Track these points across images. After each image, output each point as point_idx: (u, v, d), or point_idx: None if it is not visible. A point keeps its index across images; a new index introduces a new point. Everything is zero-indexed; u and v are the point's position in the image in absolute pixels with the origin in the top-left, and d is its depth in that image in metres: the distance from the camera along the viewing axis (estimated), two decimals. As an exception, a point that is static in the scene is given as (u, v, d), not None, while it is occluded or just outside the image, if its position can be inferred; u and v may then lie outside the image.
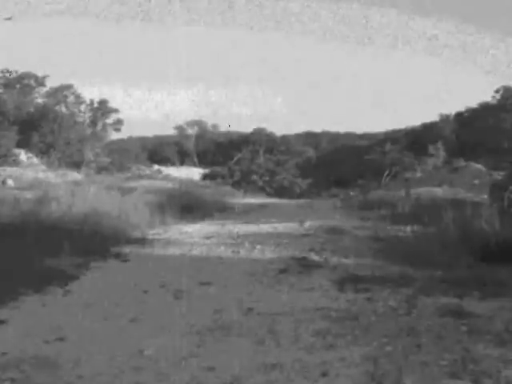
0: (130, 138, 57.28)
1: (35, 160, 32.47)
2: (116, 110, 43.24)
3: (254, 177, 40.78)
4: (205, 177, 40.91)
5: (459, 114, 48.77)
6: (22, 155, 31.83)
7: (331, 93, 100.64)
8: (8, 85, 39.15)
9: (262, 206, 20.55)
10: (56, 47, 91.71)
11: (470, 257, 6.91)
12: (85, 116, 42.86)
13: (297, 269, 7.17)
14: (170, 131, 60.82)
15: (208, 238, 10.37)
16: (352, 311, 5.05)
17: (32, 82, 40.33)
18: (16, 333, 4.47)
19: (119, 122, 43.59)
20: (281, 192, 37.83)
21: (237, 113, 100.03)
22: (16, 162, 29.38)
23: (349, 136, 62.40)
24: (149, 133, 65.46)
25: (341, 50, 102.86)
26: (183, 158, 57.26)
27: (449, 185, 21.59)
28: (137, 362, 3.82)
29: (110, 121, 43.34)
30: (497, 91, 45.56)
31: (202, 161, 54.17)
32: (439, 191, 19.47)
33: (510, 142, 40.27)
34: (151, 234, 10.86)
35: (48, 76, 40.33)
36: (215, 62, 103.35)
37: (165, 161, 52.87)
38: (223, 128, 61.00)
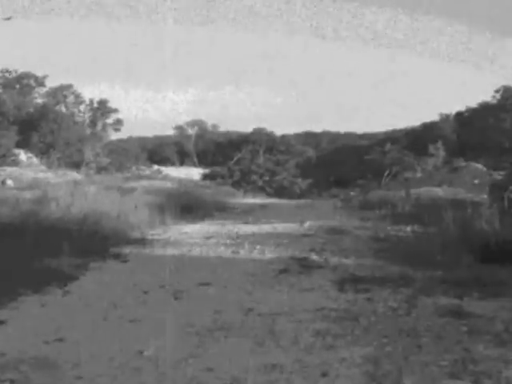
0: (130, 138, 57.27)
1: (35, 160, 32.48)
2: (116, 110, 43.28)
3: (254, 177, 40.78)
4: (205, 177, 40.90)
5: (459, 114, 48.77)
6: (22, 155, 31.85)
7: (331, 93, 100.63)
8: (8, 85, 39.18)
9: (262, 206, 20.55)
10: (56, 47, 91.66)
11: (470, 257, 6.90)
12: (84, 116, 42.88)
13: (297, 269, 7.16)
14: (169, 131, 60.89)
15: (208, 238, 10.36)
16: (352, 311, 5.05)
17: (32, 82, 40.35)
18: (15, 333, 4.46)
19: (119, 121, 43.62)
20: (281, 192, 37.82)
21: (237, 113, 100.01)
22: (15, 162, 29.39)
23: (349, 136, 62.40)
24: (148, 133, 65.46)
25: (342, 49, 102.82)
26: (183, 158, 57.25)
27: (449, 185, 21.58)
28: (136, 362, 3.81)
29: (109, 121, 43.38)
30: (497, 91, 45.59)
31: (201, 161, 54.14)
32: (439, 191, 19.45)
33: (510, 142, 40.27)
34: (151, 234, 10.85)
35: (48, 76, 40.40)
36: (215, 62, 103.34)
37: (164, 161, 52.88)
38: (223, 128, 61.09)
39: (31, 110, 37.82)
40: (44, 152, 34.79)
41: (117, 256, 8.19)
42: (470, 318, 4.69)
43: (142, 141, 60.85)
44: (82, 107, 42.82)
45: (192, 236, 10.69)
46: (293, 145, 54.99)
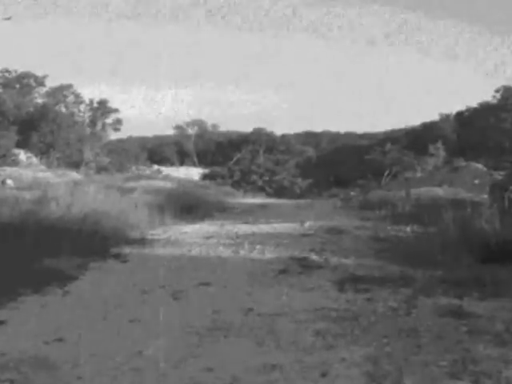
0: (130, 138, 57.29)
1: (35, 160, 32.48)
2: (115, 110, 43.27)
3: (254, 177, 40.79)
4: (204, 177, 40.90)
5: (459, 114, 48.77)
6: (22, 155, 31.84)
7: (331, 92, 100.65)
8: (7, 84, 39.19)
9: (262, 206, 20.53)
10: (56, 47, 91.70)
11: (470, 257, 6.90)
12: (84, 116, 42.88)
13: (297, 269, 7.16)
14: (169, 131, 60.90)
15: (207, 238, 10.35)
16: (352, 311, 5.05)
17: (32, 82, 40.36)
18: (15, 333, 4.46)
19: (119, 121, 43.61)
20: (281, 192, 37.82)
21: (237, 113, 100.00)
22: (15, 162, 29.39)
23: (349, 136, 62.41)
24: (148, 133, 65.50)
25: (341, 49, 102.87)
26: (183, 158, 57.25)
27: (449, 185, 21.56)
28: (136, 362, 3.81)
29: (109, 121, 43.38)
30: (497, 91, 45.61)
31: (201, 161, 54.14)
32: (439, 191, 19.43)
33: (511, 142, 40.26)
34: (151, 234, 10.84)
35: (47, 76, 40.42)
36: (215, 62, 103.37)
37: (164, 161, 52.89)
38: (223, 128, 61.08)
39: (31, 109, 37.81)
40: (44, 152, 34.79)
41: (117, 256, 8.18)
42: (470, 318, 4.68)
43: (141, 141, 60.86)
44: (81, 107, 42.85)
45: (192, 236, 10.68)
46: (293, 145, 55.02)
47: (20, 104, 36.34)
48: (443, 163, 35.46)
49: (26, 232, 8.00)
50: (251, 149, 48.38)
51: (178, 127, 59.89)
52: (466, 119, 47.24)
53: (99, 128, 43.15)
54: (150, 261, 7.94)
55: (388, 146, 40.82)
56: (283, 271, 7.01)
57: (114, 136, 45.42)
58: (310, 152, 56.19)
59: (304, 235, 10.69)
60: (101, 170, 34.48)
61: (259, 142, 51.82)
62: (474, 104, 47.78)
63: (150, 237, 10.41)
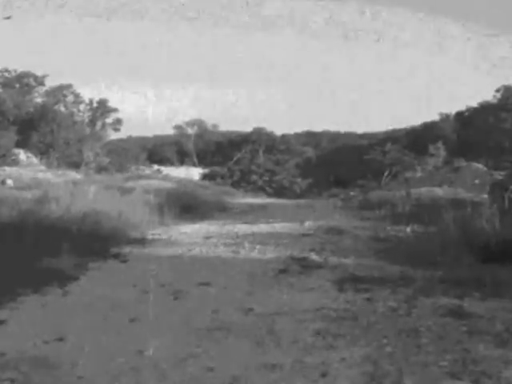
0: (130, 138, 57.31)
1: (34, 160, 32.47)
2: (115, 110, 43.26)
3: (254, 177, 40.82)
4: (204, 177, 40.93)
5: (459, 114, 48.79)
6: (22, 155, 31.83)
7: (331, 92, 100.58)
8: (7, 84, 39.18)
9: (262, 206, 20.53)
10: (56, 47, 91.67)
11: (471, 257, 6.90)
12: (84, 116, 42.85)
13: (297, 269, 7.15)
14: (169, 131, 60.89)
15: (207, 238, 10.35)
16: (352, 311, 5.04)
17: (31, 82, 40.35)
18: (15, 333, 4.46)
19: (118, 121, 43.59)
20: (281, 192, 37.87)
21: (237, 113, 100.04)
22: (15, 162, 29.38)
23: (349, 136, 62.44)
24: (148, 133, 65.50)
25: (341, 49, 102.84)
26: (183, 157, 57.28)
27: (449, 185, 21.56)
28: (136, 362, 3.81)
29: (109, 120, 43.36)
30: (497, 90, 45.61)
31: (201, 161, 54.17)
32: (440, 191, 19.43)
33: (511, 142, 40.26)
34: (151, 234, 10.83)
35: (47, 75, 40.40)
36: (215, 62, 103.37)
37: (164, 161, 52.92)
38: (223, 128, 61.07)
39: (31, 109, 37.79)
40: (43, 152, 34.78)
41: (117, 256, 8.18)
42: (471, 318, 4.68)
43: (141, 141, 60.90)
44: (81, 107, 42.82)
45: (192, 236, 10.68)
46: (293, 145, 55.03)
47: (20, 104, 36.32)
48: (443, 163, 35.48)
49: (26, 232, 8.00)
50: (251, 149, 48.42)
51: (177, 127, 59.92)
52: (466, 119, 47.26)
53: (99, 128, 43.13)
54: (150, 261, 7.93)
55: (388, 145, 40.82)
56: (283, 271, 7.01)
57: (113, 136, 45.44)
58: (310, 152, 56.21)
59: (304, 235, 10.69)
60: (101, 169, 34.48)
61: (259, 142, 51.84)
62: (474, 104, 47.87)
63: (150, 237, 10.41)
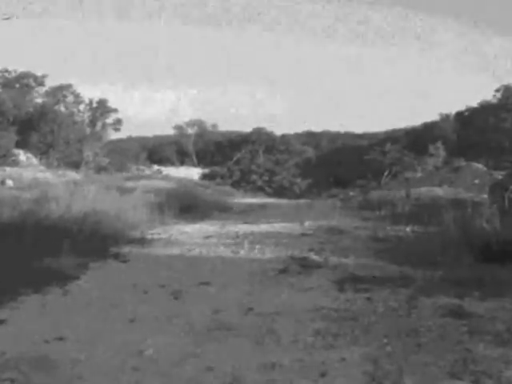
0: (130, 138, 57.30)
1: (34, 160, 32.46)
2: (115, 110, 43.22)
3: (254, 177, 40.82)
4: (204, 177, 40.93)
5: (459, 114, 48.78)
6: (22, 155, 31.82)
7: (331, 92, 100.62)
8: (7, 84, 39.15)
9: (262, 206, 20.54)
10: (56, 47, 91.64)
11: (471, 257, 6.89)
12: (84, 116, 42.82)
13: (296, 269, 7.15)
14: (169, 131, 60.88)
15: (207, 237, 10.36)
16: (352, 311, 5.04)
17: (31, 82, 40.32)
18: (16, 333, 4.46)
19: (118, 121, 43.54)
20: (280, 192, 37.86)
21: (236, 112, 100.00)
22: (15, 163, 29.37)
23: (349, 136, 62.41)
24: (148, 133, 65.53)
25: (341, 49, 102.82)
26: (183, 157, 57.25)
27: (449, 184, 21.56)
28: (136, 362, 3.81)
29: (109, 120, 43.32)
30: (497, 90, 45.59)
31: (201, 161, 54.16)
32: (439, 191, 19.44)
33: (511, 142, 40.25)
34: (150, 233, 10.83)
35: (47, 76, 40.37)
36: (215, 62, 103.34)
37: (164, 161, 52.89)
38: (223, 128, 61.05)
39: (31, 109, 37.77)
40: (43, 152, 34.77)
41: (117, 256, 8.18)
42: (471, 318, 4.68)
43: (141, 141, 60.90)
44: (81, 107, 42.79)
45: (192, 236, 10.68)
46: (292, 145, 55.00)
47: (20, 104, 36.29)
48: (443, 163, 35.47)
49: (26, 232, 8.00)
50: (251, 149, 48.40)
51: (177, 127, 59.90)
52: (466, 119, 47.25)
53: (99, 128, 43.09)
54: (150, 260, 7.93)
55: (388, 146, 40.79)
56: (283, 271, 7.01)
57: (113, 136, 45.39)
58: (310, 152, 56.18)
59: (304, 235, 10.70)
60: (101, 169, 34.46)
61: (259, 142, 51.82)
62: (474, 104, 47.86)
63: (149, 236, 10.41)
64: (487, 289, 5.61)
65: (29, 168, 26.78)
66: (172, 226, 12.45)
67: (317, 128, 67.45)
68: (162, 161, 51.95)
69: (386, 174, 36.45)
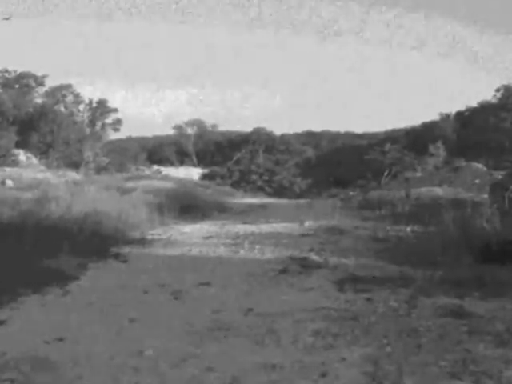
0: (129, 138, 57.28)
1: (34, 160, 32.45)
2: (115, 110, 43.20)
3: (254, 177, 40.81)
4: (204, 177, 40.91)
5: (460, 114, 48.79)
6: (21, 155, 31.81)
7: (331, 92, 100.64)
8: (7, 84, 39.13)
9: (262, 206, 20.54)
10: (56, 47, 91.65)
11: (471, 257, 6.89)
12: (84, 116, 42.80)
13: (296, 269, 7.15)
14: (169, 131, 60.86)
15: (207, 238, 10.36)
16: (352, 311, 5.04)
17: (31, 82, 40.31)
18: (15, 333, 4.46)
19: (118, 121, 43.52)
20: (280, 192, 37.84)
21: (237, 113, 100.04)
22: (15, 163, 29.36)
23: (349, 136, 62.40)
24: (148, 133, 65.52)
25: (341, 48, 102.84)
26: (182, 158, 57.19)
27: (449, 184, 21.55)
28: (136, 362, 3.80)
29: (108, 120, 43.29)
30: (497, 90, 45.60)
31: (201, 161, 54.12)
32: (439, 191, 19.42)
33: (511, 142, 40.24)
34: (150, 234, 10.84)
35: (47, 76, 40.36)
36: (215, 62, 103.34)
37: (164, 161, 52.84)
38: (223, 128, 61.02)
39: (30, 109, 37.75)
40: (43, 152, 34.76)
41: (117, 256, 8.19)
42: (471, 318, 4.68)
43: (141, 141, 60.87)
44: (81, 107, 42.77)
45: (192, 236, 10.68)
46: (292, 144, 55.00)
47: (19, 104, 36.28)
48: (443, 163, 35.45)
49: (27, 232, 8.00)
50: (251, 149, 48.40)
51: (177, 127, 59.84)
52: (466, 119, 47.26)
53: (99, 128, 43.06)
54: (150, 261, 7.93)
55: (388, 145, 40.76)
56: (283, 271, 7.01)
57: (113, 136, 45.37)
58: (310, 152, 56.17)
59: (304, 235, 10.69)
60: (100, 170, 34.45)
61: (259, 141, 51.81)
62: (474, 104, 47.87)
63: (149, 237, 10.41)
64: (487, 289, 5.61)
65: (29, 168, 26.77)
66: (172, 226, 12.45)
67: (317, 128, 67.50)
68: (161, 161, 51.90)
69: (385, 173, 36.43)
